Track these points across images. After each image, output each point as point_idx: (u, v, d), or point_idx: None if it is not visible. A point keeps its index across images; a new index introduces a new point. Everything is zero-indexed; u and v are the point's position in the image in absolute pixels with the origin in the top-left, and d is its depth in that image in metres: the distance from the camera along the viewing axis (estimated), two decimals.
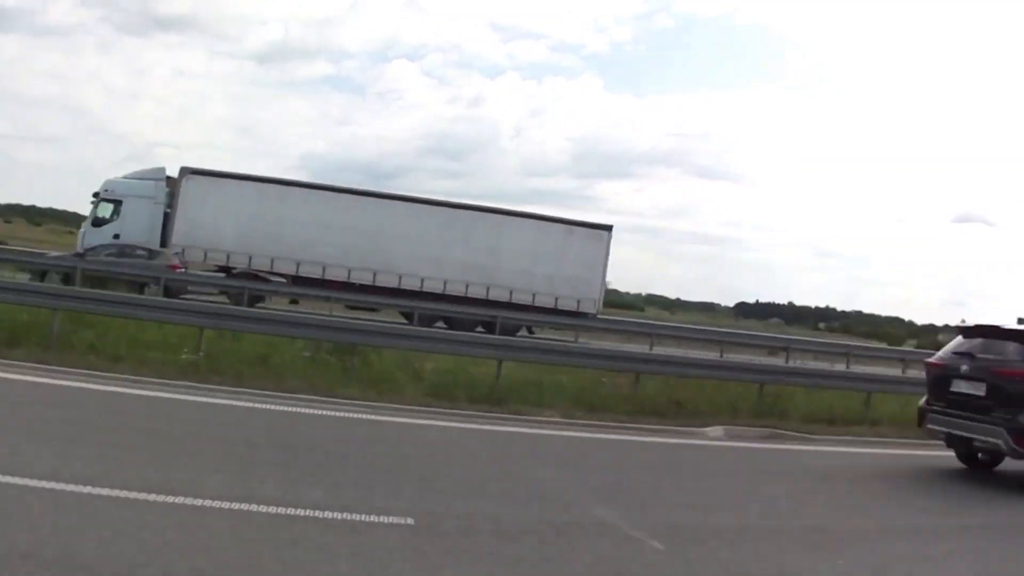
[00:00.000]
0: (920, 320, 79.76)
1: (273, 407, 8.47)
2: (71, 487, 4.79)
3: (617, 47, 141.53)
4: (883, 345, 36.95)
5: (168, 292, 19.78)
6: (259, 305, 21.14)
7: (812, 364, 20.04)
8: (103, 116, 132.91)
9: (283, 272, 22.76)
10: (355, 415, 8.64)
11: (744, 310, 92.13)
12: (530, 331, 22.73)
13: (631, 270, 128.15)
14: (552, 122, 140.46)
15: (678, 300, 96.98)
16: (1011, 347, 8.43)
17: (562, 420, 9.81)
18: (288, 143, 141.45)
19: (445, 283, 22.90)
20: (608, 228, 24.27)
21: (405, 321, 20.74)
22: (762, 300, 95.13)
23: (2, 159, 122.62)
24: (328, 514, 4.93)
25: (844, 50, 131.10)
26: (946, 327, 49.60)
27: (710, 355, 19.44)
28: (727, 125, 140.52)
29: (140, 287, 19.45)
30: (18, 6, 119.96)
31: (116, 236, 22.01)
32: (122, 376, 9.02)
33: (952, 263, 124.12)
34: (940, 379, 8.96)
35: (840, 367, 19.65)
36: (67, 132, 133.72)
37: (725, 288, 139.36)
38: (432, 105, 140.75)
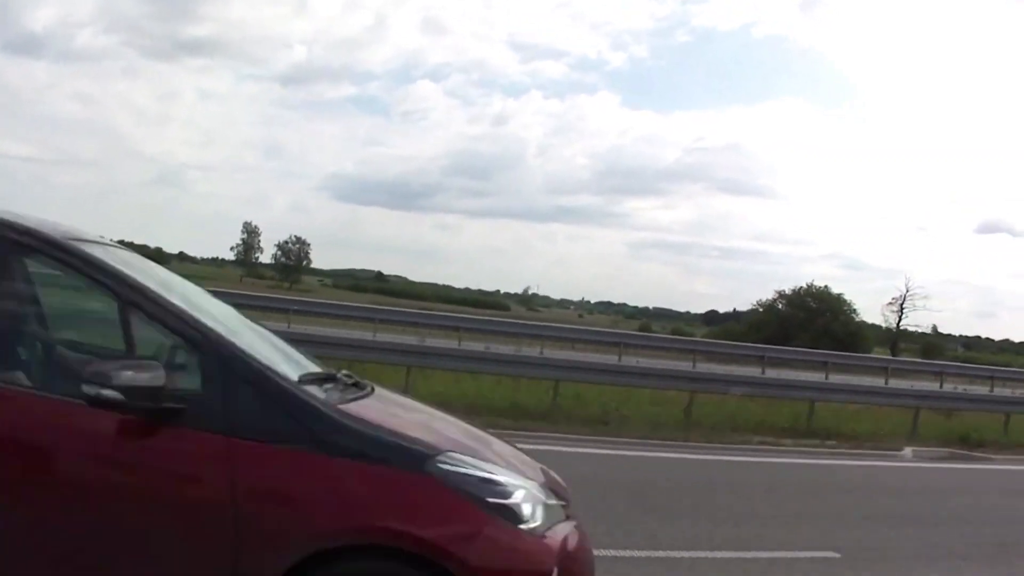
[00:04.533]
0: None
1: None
2: None
3: (637, 63, 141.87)
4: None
5: None
6: None
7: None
8: (132, 139, 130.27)
9: None
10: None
11: (713, 318, 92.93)
12: None
13: (654, 286, 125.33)
14: (576, 139, 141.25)
15: (687, 312, 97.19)
16: None
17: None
18: (315, 164, 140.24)
19: None
20: None
21: None
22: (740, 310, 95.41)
23: (34, 182, 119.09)
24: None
25: (863, 60, 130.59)
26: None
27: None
28: (749, 139, 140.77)
29: None
30: (47, 32, 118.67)
31: None
32: None
33: (979, 274, 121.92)
34: None
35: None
36: (97, 155, 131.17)
37: (752, 302, 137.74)
38: (456, 124, 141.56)
